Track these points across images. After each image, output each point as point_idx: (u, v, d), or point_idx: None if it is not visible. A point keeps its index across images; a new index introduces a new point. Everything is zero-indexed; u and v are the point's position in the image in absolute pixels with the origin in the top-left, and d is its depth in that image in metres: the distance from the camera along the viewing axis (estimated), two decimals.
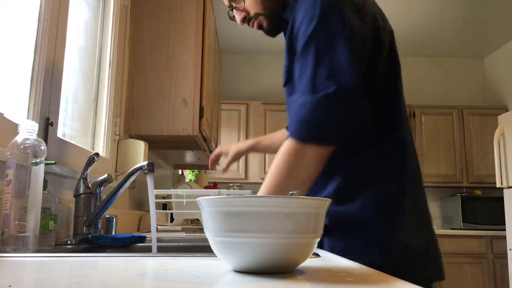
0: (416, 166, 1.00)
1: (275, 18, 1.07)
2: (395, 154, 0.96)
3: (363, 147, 0.95)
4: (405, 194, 0.93)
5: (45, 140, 1.24)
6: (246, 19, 1.10)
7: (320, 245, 0.97)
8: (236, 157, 1.41)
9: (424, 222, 0.99)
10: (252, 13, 1.08)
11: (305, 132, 0.86)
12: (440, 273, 0.97)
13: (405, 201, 0.93)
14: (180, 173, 3.84)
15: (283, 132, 1.35)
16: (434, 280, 0.96)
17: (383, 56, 0.96)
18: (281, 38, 1.08)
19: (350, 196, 0.93)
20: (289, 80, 0.99)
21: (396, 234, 0.90)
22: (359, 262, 0.72)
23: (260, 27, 1.10)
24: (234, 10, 1.11)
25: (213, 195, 1.54)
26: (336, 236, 0.93)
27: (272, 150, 1.34)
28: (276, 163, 0.89)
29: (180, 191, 1.84)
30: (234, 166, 4.35)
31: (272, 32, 1.11)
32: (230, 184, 4.24)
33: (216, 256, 0.56)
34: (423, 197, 1.00)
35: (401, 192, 0.93)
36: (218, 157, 1.47)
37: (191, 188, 2.55)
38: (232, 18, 1.15)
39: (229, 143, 4.89)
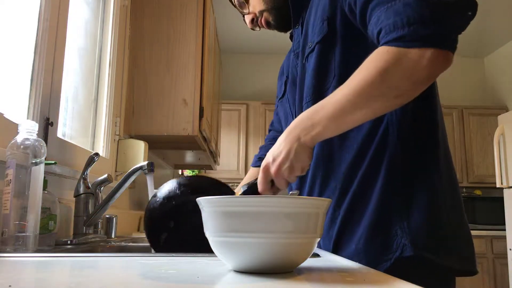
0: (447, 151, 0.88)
1: (280, 11, 1.05)
2: (427, 127, 0.85)
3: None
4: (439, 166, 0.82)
5: (45, 140, 1.24)
6: (254, 21, 1.09)
7: (335, 251, 0.85)
8: None
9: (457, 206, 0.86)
10: (257, 13, 1.07)
11: (421, 31, 0.66)
12: (470, 265, 0.83)
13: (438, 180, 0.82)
14: (180, 173, 3.83)
15: None
16: (459, 273, 0.83)
17: None
18: (281, 37, 1.07)
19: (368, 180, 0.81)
20: (330, 31, 0.88)
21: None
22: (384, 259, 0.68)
23: (268, 25, 1.07)
24: (244, 16, 1.10)
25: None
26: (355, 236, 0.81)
27: None
28: (365, 65, 0.71)
29: None
30: (234, 166, 4.35)
31: (281, 26, 1.08)
32: (230, 184, 4.23)
33: (216, 256, 0.56)
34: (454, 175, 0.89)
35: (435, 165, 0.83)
36: None
37: None
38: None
39: (229, 143, 4.83)
